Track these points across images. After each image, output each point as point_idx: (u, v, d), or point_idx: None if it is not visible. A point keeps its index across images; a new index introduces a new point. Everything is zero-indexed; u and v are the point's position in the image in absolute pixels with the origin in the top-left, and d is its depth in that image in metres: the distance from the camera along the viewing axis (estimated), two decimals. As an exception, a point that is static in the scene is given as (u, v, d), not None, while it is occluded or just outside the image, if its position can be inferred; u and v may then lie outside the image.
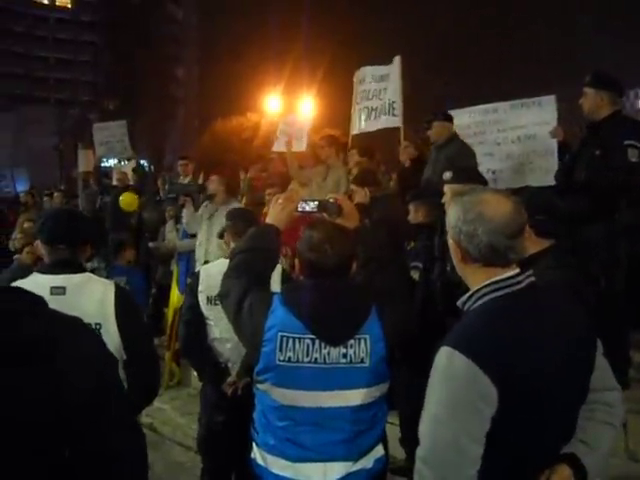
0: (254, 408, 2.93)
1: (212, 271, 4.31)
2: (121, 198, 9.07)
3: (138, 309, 3.43)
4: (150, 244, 8.54)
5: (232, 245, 4.41)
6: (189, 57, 56.52)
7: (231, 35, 41.91)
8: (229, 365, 4.28)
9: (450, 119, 7.02)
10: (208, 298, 4.27)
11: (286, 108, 19.81)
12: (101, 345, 1.87)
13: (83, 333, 1.80)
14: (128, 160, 13.33)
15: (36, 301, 1.71)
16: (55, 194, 11.32)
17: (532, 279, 2.23)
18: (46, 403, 1.56)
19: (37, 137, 45.22)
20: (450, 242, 2.32)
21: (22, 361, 1.55)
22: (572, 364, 2.19)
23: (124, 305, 3.15)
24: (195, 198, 7.68)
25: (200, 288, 4.32)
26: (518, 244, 2.22)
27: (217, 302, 4.18)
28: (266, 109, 23.64)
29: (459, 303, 2.30)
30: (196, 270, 5.18)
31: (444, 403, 2.09)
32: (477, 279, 2.24)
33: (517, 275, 2.21)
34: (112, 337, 2.94)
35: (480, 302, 2.22)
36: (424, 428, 2.13)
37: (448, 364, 2.08)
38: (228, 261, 4.27)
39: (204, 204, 7.47)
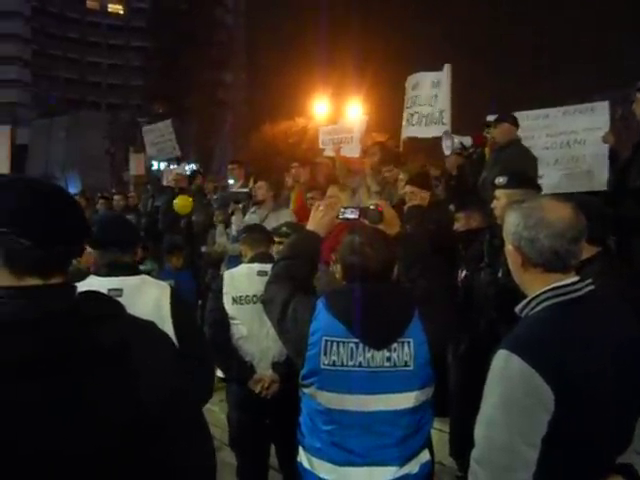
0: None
1: (236, 274, 4.55)
2: (175, 201, 9.16)
3: (192, 311, 3.50)
4: (203, 248, 8.62)
5: (249, 254, 4.62)
6: (237, 62, 56.98)
7: (279, 39, 42.15)
8: (254, 363, 4.36)
9: (516, 123, 6.91)
10: (233, 299, 4.40)
11: (334, 112, 19.87)
12: (174, 348, 1.92)
13: (159, 337, 1.85)
14: (178, 162, 13.50)
15: (116, 305, 1.76)
16: (116, 197, 11.45)
17: (591, 287, 2.22)
18: (125, 405, 1.61)
19: (89, 141, 46.04)
20: (509, 248, 2.31)
21: (106, 364, 1.61)
22: (628, 374, 2.17)
23: (179, 306, 3.24)
24: (245, 205, 7.76)
25: (225, 290, 4.44)
26: (578, 249, 2.22)
27: (242, 302, 4.39)
28: (314, 113, 23.78)
29: (517, 309, 2.29)
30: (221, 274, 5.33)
31: (500, 406, 2.09)
32: (536, 285, 2.24)
33: (577, 282, 2.21)
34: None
35: (539, 308, 2.22)
36: (479, 430, 2.14)
37: (505, 367, 2.09)
38: (249, 265, 4.52)
39: (251, 210, 7.55)
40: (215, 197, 9.54)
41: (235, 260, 7.51)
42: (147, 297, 3.19)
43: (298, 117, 32.16)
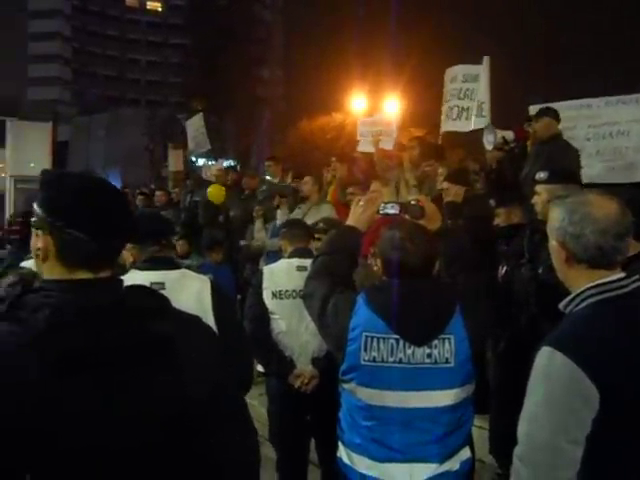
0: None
1: (276, 269, 4.56)
2: (209, 190, 9.24)
3: (232, 304, 3.53)
4: (242, 242, 8.66)
5: (289, 249, 4.61)
6: (275, 58, 57.06)
7: (316, 36, 42.01)
8: (294, 358, 4.37)
9: (557, 117, 6.83)
10: (273, 293, 4.40)
11: (371, 107, 19.80)
12: (218, 343, 1.95)
13: (204, 331, 1.88)
14: (216, 159, 13.58)
15: (162, 299, 1.78)
16: (157, 192, 11.53)
17: (638, 284, 2.18)
18: (171, 398, 1.63)
19: (128, 137, 46.53)
20: (553, 244, 2.27)
21: (153, 357, 1.63)
22: None
23: (220, 300, 3.26)
24: (290, 199, 7.80)
25: (264, 285, 4.43)
26: (624, 245, 2.18)
27: (282, 297, 4.38)
28: (351, 108, 23.71)
29: (561, 305, 2.26)
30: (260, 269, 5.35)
31: (543, 403, 2.06)
32: (581, 281, 2.20)
33: (623, 279, 2.17)
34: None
35: (583, 304, 2.18)
36: (522, 428, 2.11)
37: (548, 364, 2.06)
38: (288, 260, 4.52)
39: (298, 206, 7.62)
40: (262, 189, 9.58)
41: (274, 255, 7.54)
42: (189, 290, 3.21)
43: (335, 112, 32.13)
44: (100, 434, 1.52)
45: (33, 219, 1.68)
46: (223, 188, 9.43)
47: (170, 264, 3.35)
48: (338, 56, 35.48)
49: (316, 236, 4.81)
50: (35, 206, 1.67)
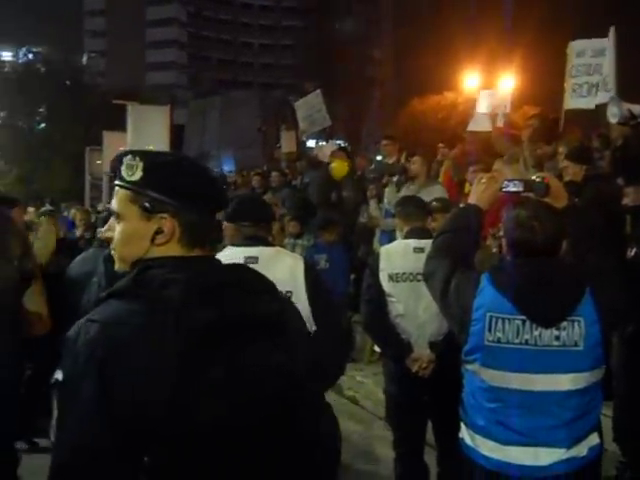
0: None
1: (392, 250, 4.48)
2: (332, 165, 9.31)
3: (324, 283, 3.55)
4: (361, 219, 8.68)
5: (405, 229, 4.49)
6: (384, 37, 56.64)
7: (426, 13, 41.42)
8: (411, 341, 4.30)
9: None
10: (390, 276, 4.32)
11: (484, 85, 19.33)
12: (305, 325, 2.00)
13: (296, 310, 1.89)
14: (326, 139, 13.60)
15: (268, 281, 1.80)
16: (273, 173, 11.68)
17: None
18: (283, 376, 1.66)
19: (241, 119, 47.34)
20: None
21: (270, 335, 1.66)
22: None
23: (313, 276, 3.31)
24: (399, 178, 7.75)
25: (381, 266, 4.35)
26: None
27: (398, 280, 4.30)
28: (463, 87, 23.26)
29: None
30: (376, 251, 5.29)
31: None
32: None
33: None
34: (303, 305, 3.01)
35: None
36: None
37: None
38: (405, 241, 4.42)
39: (406, 185, 7.51)
40: (371, 168, 9.56)
41: (387, 235, 7.53)
42: (283, 265, 3.29)
43: (447, 92, 31.65)
44: (224, 410, 1.54)
45: (147, 202, 1.65)
46: (346, 163, 9.46)
47: (264, 242, 3.45)
48: (449, 34, 34.80)
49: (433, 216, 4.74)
50: (149, 190, 1.66)
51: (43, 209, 9.38)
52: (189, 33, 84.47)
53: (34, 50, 37.47)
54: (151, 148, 14.66)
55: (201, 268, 1.66)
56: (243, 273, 1.77)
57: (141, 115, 14.49)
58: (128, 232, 1.68)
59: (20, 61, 36.72)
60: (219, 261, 1.75)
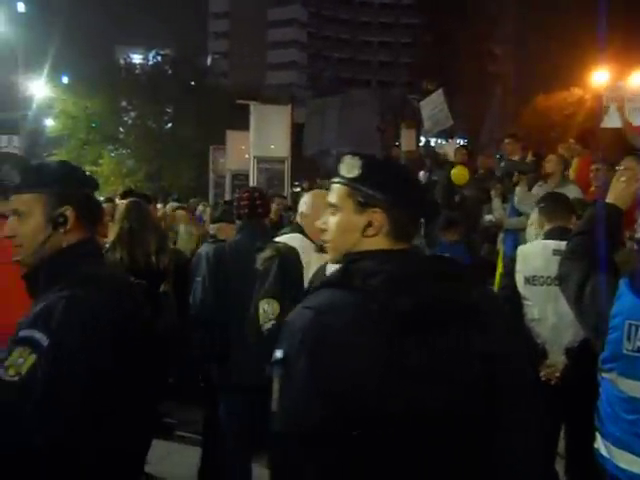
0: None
1: (530, 251, 4.27)
2: (453, 171, 9.26)
3: None
4: (487, 217, 8.55)
5: (546, 227, 4.30)
6: (505, 34, 55.24)
7: (547, 8, 40.13)
8: (546, 347, 4.12)
9: None
10: (526, 278, 4.16)
11: (614, 80, 18.52)
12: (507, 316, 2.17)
13: (495, 297, 2.17)
14: (446, 138, 13.40)
15: (466, 270, 1.98)
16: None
17: None
18: (482, 363, 1.74)
19: (360, 118, 47.48)
20: None
21: (468, 321, 1.75)
22: None
23: None
24: (528, 177, 7.57)
25: (517, 268, 4.20)
26: None
27: (535, 282, 4.13)
28: (591, 83, 22.41)
29: None
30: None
31: None
32: None
33: None
34: None
35: None
36: None
37: None
38: (544, 242, 4.24)
39: (538, 184, 7.32)
40: (501, 165, 9.39)
41: (512, 235, 7.37)
42: None
43: (574, 87, 30.60)
44: (427, 393, 1.65)
45: (361, 197, 1.83)
46: (467, 169, 9.40)
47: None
48: (572, 28, 33.58)
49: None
50: (365, 186, 1.83)
51: (176, 204, 9.68)
52: (309, 33, 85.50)
53: (162, 52, 38.73)
54: (273, 147, 14.95)
55: (405, 260, 1.81)
56: (442, 264, 1.89)
57: (263, 114, 14.74)
58: (343, 223, 1.86)
59: (150, 63, 38.03)
60: (420, 253, 1.94)
